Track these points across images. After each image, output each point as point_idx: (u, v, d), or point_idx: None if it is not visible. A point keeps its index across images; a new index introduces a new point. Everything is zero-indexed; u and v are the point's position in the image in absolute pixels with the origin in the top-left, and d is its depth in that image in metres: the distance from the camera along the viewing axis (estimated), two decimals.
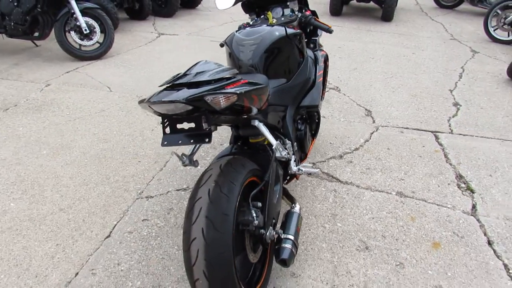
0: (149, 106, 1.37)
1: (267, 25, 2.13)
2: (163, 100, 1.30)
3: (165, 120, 1.48)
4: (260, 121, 1.73)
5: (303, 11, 2.48)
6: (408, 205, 2.47)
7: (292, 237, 1.74)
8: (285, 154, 1.70)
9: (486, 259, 2.09)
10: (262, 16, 2.47)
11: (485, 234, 2.26)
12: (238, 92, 1.37)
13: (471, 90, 4.23)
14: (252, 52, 1.99)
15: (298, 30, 2.16)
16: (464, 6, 8.22)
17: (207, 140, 1.42)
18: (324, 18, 6.98)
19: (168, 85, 1.42)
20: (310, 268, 2.00)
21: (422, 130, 3.39)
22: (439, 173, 2.80)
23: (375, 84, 4.28)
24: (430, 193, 2.59)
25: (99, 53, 4.70)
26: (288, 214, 1.87)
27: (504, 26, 5.83)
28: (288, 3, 2.44)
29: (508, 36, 5.87)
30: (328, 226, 2.28)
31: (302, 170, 2.01)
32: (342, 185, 2.64)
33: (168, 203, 2.43)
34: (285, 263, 1.68)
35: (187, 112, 1.38)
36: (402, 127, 3.42)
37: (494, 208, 2.47)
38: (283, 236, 1.74)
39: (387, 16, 6.88)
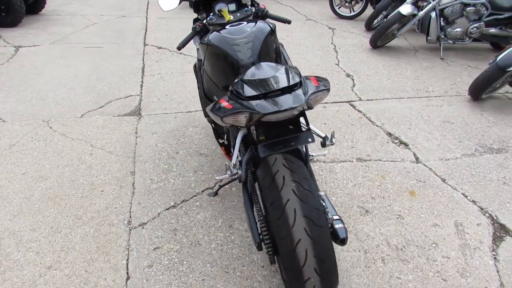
0: (260, 119, 1.30)
1: (249, 21, 2.14)
2: (286, 108, 1.27)
3: (259, 130, 1.41)
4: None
5: (255, 4, 2.51)
6: (371, 167, 2.82)
7: (338, 217, 1.85)
8: (334, 141, 1.78)
9: (450, 193, 2.58)
10: (211, 15, 2.40)
11: (436, 175, 2.76)
12: (328, 87, 1.40)
13: (350, 61, 4.89)
14: (250, 50, 1.99)
15: (273, 23, 2.22)
16: None
17: (310, 140, 1.42)
18: (184, 10, 6.90)
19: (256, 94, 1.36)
20: None
21: (339, 102, 3.82)
22: (375, 135, 3.24)
23: None
24: (380, 153, 2.99)
25: None
26: None
27: (346, 4, 6.79)
28: None
29: (351, 12, 6.85)
30: None
31: (313, 155, 2.12)
32: (312, 164, 2.83)
33: (167, 224, 2.24)
34: (344, 241, 1.79)
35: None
36: (322, 103, 3.78)
37: (428, 153, 3.02)
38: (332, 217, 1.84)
39: None
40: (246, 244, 2.13)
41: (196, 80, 2.73)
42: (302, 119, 1.54)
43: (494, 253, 2.14)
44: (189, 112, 3.50)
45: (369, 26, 6.09)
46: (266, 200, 1.54)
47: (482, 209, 2.46)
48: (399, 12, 4.93)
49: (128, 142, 3.01)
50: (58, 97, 3.67)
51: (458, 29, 5.10)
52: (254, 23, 2.10)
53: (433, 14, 5.01)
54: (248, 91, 1.39)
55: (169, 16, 6.56)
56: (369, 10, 6.78)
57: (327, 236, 1.47)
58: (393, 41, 5.48)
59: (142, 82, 4.07)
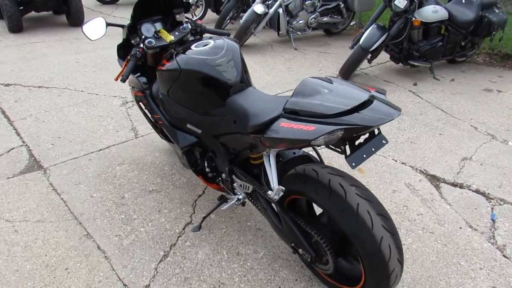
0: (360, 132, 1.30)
1: (213, 39, 2.04)
2: (394, 117, 1.30)
3: (346, 144, 1.39)
4: None
5: (191, 21, 2.38)
6: None
7: None
8: None
9: (385, 162, 2.99)
10: (144, 37, 2.18)
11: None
12: (384, 91, 1.49)
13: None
14: (234, 68, 1.92)
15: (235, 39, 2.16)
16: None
17: (384, 141, 1.45)
18: (3, 35, 5.84)
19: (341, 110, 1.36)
20: None
21: None
22: None
23: None
24: None
25: None
26: None
27: None
28: (177, 16, 2.29)
29: (193, 17, 6.92)
30: None
31: None
32: None
33: (174, 277, 1.98)
34: None
35: None
36: None
37: None
38: None
39: (76, 20, 6.54)
40: (266, 265, 2.06)
41: (144, 113, 2.44)
42: None
43: (444, 199, 2.60)
44: (101, 150, 3.06)
45: (220, 28, 6.29)
46: (333, 211, 1.54)
47: (413, 167, 2.93)
48: (254, 12, 5.25)
49: (53, 203, 2.48)
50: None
51: (301, 21, 5.75)
52: (222, 41, 2.02)
53: (280, 11, 5.51)
54: (331, 108, 1.35)
55: None
56: (209, 14, 7.02)
57: (394, 225, 1.58)
58: (248, 40, 5.81)
59: (15, 129, 3.34)
